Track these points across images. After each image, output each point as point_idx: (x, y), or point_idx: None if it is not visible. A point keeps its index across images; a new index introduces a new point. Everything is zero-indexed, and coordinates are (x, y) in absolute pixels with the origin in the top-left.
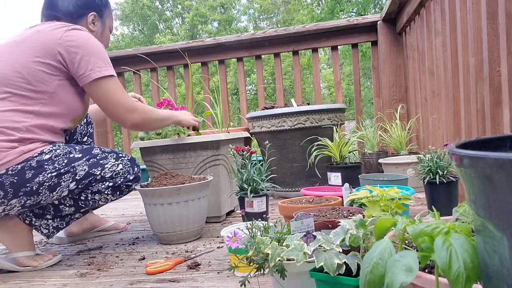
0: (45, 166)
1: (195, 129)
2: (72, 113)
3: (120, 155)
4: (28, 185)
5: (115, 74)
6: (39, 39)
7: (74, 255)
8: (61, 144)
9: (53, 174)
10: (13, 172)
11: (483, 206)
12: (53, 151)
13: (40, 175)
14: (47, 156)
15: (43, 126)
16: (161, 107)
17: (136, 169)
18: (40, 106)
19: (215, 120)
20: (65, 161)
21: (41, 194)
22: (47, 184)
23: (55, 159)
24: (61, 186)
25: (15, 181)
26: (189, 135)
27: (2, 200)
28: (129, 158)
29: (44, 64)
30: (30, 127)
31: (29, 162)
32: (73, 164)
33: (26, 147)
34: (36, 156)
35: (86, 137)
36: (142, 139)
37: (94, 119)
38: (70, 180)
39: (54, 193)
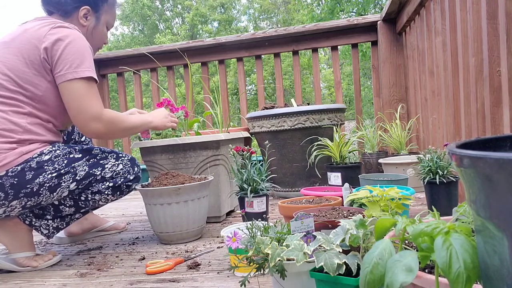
0: (45, 167)
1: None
2: (63, 115)
3: (120, 155)
4: (28, 186)
5: (94, 77)
6: (25, 39)
7: (74, 255)
8: (60, 145)
9: (53, 174)
10: (13, 174)
11: (483, 206)
12: (53, 151)
13: (40, 176)
14: (47, 157)
15: (39, 126)
16: (161, 107)
17: (136, 169)
18: (31, 108)
19: (215, 120)
20: (65, 162)
21: (42, 195)
22: (48, 185)
23: (55, 159)
24: (62, 187)
25: (15, 182)
26: (177, 136)
27: (3, 201)
28: (129, 158)
29: (32, 65)
30: (27, 128)
31: (29, 163)
32: (73, 165)
33: (25, 148)
34: (36, 157)
35: (84, 137)
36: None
37: None
38: (71, 180)
39: (55, 193)
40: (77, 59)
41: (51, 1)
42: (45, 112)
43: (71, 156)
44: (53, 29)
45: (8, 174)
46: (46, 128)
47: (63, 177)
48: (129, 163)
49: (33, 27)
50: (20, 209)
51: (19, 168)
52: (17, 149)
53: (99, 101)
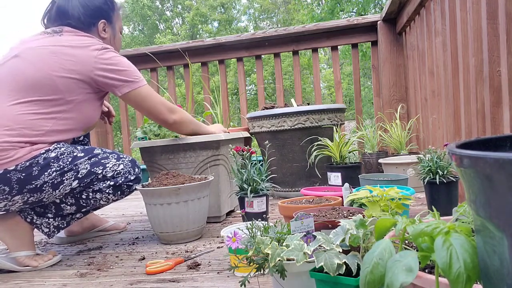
0: (51, 164)
1: None
2: (88, 123)
3: (121, 156)
4: (33, 182)
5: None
6: (75, 55)
7: (74, 255)
8: (64, 144)
9: (57, 172)
10: (21, 169)
11: (483, 206)
12: (58, 149)
13: (45, 173)
14: (53, 154)
15: (57, 132)
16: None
17: (137, 169)
18: (63, 113)
19: (215, 120)
20: (69, 160)
21: (44, 192)
22: (51, 182)
23: (60, 157)
24: (64, 184)
25: (22, 177)
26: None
27: (6, 196)
28: (130, 159)
29: (78, 78)
30: (47, 132)
31: (36, 159)
32: (75, 163)
33: (35, 146)
34: (43, 154)
35: (82, 136)
36: (141, 139)
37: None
38: (73, 178)
39: (57, 191)
40: (133, 72)
41: (70, 17)
42: (75, 115)
43: (75, 154)
44: (101, 50)
45: (17, 169)
46: (62, 135)
47: (66, 175)
48: (130, 163)
49: (79, 45)
50: (21, 204)
51: (27, 163)
52: (27, 147)
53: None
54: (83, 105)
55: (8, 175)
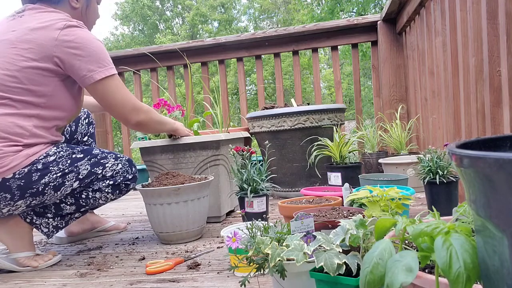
0: (51, 168)
1: None
2: (68, 113)
3: (119, 155)
4: (34, 186)
5: (116, 72)
6: (34, 40)
7: (74, 255)
8: (63, 146)
9: (58, 174)
10: (20, 176)
11: (483, 206)
12: (57, 152)
13: (46, 177)
14: (52, 158)
15: (44, 128)
16: (158, 108)
17: (134, 169)
18: (40, 109)
19: (215, 120)
20: (69, 162)
21: (46, 194)
22: (52, 184)
23: (59, 160)
24: (65, 186)
25: (22, 184)
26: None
27: (9, 202)
28: (127, 158)
29: (42, 68)
30: (33, 131)
31: (35, 165)
32: (76, 164)
33: (31, 150)
34: (41, 159)
35: (86, 137)
36: (141, 139)
37: (92, 110)
38: (74, 179)
39: (59, 192)
40: (99, 58)
41: None
42: (53, 111)
43: (74, 156)
44: (64, 29)
45: (15, 176)
46: (49, 131)
47: (67, 176)
48: (127, 163)
49: (39, 26)
50: (25, 207)
51: (26, 170)
52: (23, 151)
53: (131, 93)
54: (57, 96)
55: (7, 183)
